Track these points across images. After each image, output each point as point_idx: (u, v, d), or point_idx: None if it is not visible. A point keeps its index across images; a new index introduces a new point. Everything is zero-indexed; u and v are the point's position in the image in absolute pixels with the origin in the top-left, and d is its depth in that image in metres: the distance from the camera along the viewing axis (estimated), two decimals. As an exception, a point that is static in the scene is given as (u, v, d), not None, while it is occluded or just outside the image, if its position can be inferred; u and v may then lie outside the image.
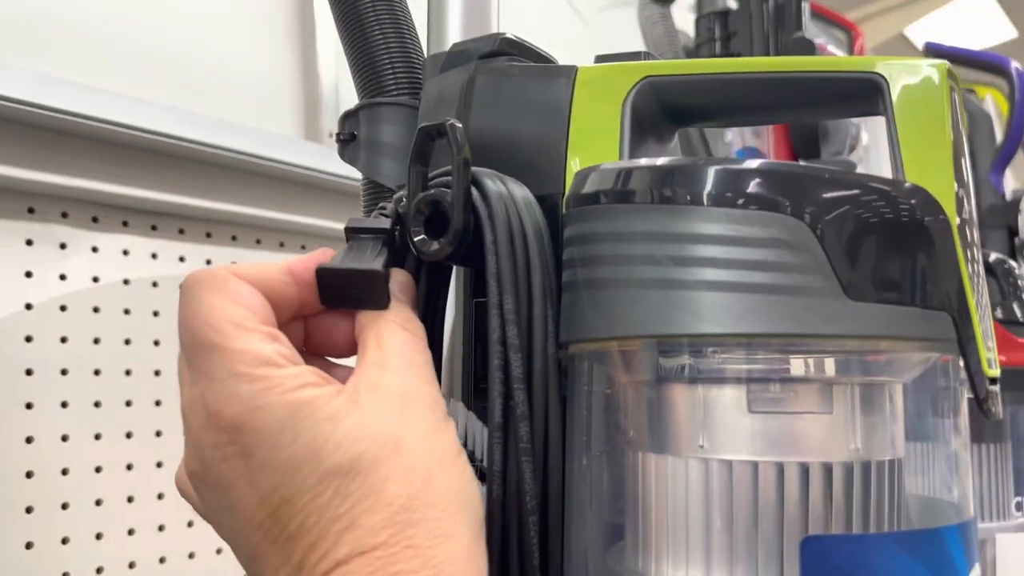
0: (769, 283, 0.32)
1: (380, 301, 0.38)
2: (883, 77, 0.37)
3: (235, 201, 0.93)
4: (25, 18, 0.82)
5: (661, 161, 0.37)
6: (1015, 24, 3.58)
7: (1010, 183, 1.31)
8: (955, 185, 0.35)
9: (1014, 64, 1.20)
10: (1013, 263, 0.87)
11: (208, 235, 0.95)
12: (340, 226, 0.40)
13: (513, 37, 0.48)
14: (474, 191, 0.39)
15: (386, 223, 0.40)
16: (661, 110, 0.44)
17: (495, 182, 0.40)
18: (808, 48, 0.98)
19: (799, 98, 0.41)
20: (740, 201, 0.33)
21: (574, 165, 0.42)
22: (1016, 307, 0.83)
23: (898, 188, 0.35)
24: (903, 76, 0.36)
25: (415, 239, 0.39)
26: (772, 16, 1.06)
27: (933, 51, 1.32)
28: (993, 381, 0.36)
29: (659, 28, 1.23)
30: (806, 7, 1.05)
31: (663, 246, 0.34)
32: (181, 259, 0.93)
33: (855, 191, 0.34)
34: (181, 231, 0.93)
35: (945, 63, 0.36)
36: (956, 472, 0.38)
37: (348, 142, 0.53)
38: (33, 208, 0.81)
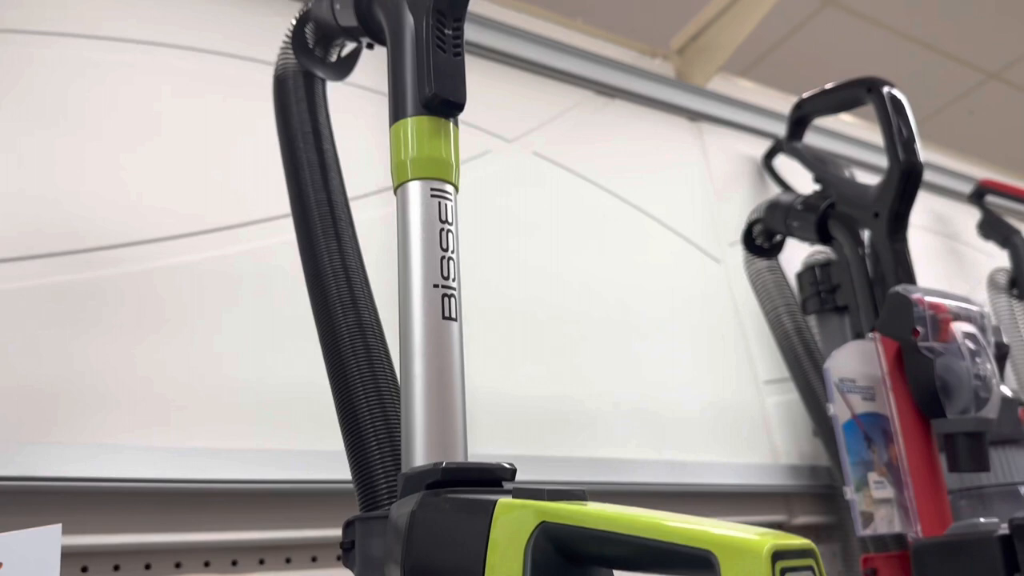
0: None
1: None
2: (714, 555, 0.37)
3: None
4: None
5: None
6: None
7: None
8: None
9: None
10: None
11: (206, 564, 1.00)
12: None
13: (454, 465, 0.53)
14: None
15: None
16: (557, 551, 0.46)
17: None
18: (904, 305, 0.93)
19: (655, 559, 0.41)
20: None
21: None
22: None
23: None
24: (735, 558, 0.36)
25: None
26: (872, 267, 1.03)
27: None
28: None
29: (767, 279, 1.22)
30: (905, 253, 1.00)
31: None
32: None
33: None
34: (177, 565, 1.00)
35: (772, 544, 0.35)
36: None
37: (349, 550, 0.59)
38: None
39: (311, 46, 0.82)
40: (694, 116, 1.77)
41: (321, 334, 0.69)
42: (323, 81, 0.84)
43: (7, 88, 1.03)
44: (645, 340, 1.47)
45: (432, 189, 0.62)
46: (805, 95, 1.35)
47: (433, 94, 0.62)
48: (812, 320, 1.19)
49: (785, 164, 1.78)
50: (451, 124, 0.64)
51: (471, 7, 1.56)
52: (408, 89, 0.64)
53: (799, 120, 1.40)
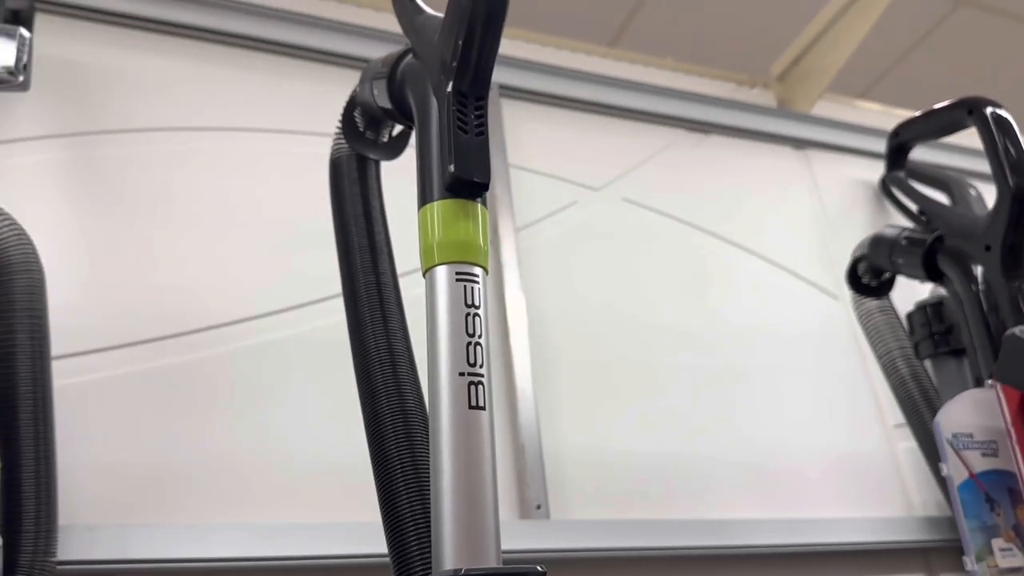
0: None
1: None
2: None
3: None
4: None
5: None
6: None
7: None
8: None
9: None
10: None
11: None
12: None
13: (477, 572, 0.51)
14: None
15: None
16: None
17: None
18: (1019, 349, 0.82)
19: None
20: None
21: None
22: None
23: None
24: None
25: None
26: (988, 306, 0.92)
27: None
28: None
29: (878, 320, 1.13)
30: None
31: None
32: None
33: None
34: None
35: None
36: None
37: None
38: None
39: (361, 129, 0.83)
40: (800, 144, 1.68)
41: (366, 420, 0.69)
42: (376, 162, 0.85)
43: (103, 185, 1.11)
44: (755, 387, 1.39)
45: (458, 273, 0.61)
46: (901, 122, 1.25)
47: (455, 177, 0.61)
48: (928, 364, 1.09)
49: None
50: (477, 205, 0.63)
51: (554, 58, 1.57)
52: (433, 172, 0.63)
53: (897, 149, 1.30)
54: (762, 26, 1.80)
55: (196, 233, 1.13)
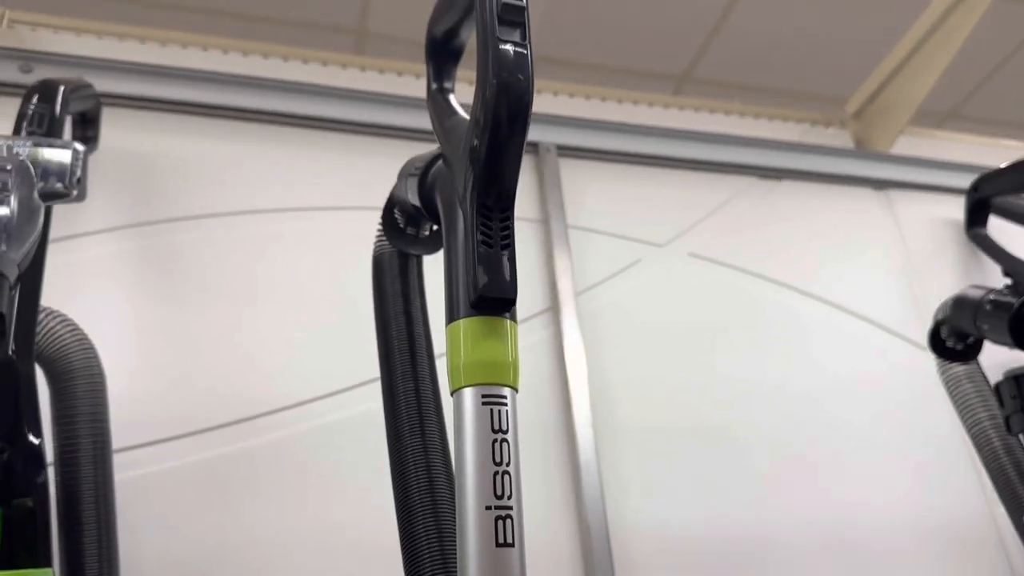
0: None
1: None
2: None
3: None
4: None
5: None
6: None
7: None
8: None
9: None
10: None
11: None
12: None
13: None
14: None
15: None
16: None
17: None
18: None
19: None
20: None
21: None
22: None
23: None
24: None
25: None
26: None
27: None
28: None
29: (966, 389, 1.04)
30: None
31: None
32: None
33: None
34: None
35: None
36: None
37: None
38: None
39: (402, 226, 0.83)
40: (880, 184, 1.59)
41: (402, 540, 0.67)
42: (418, 257, 0.84)
43: (164, 274, 1.14)
44: (837, 448, 1.31)
45: (484, 396, 0.59)
46: (981, 176, 1.16)
47: (480, 295, 0.59)
48: (1023, 439, 1.00)
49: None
50: (505, 321, 0.61)
51: (616, 112, 1.53)
52: (459, 288, 0.61)
53: (977, 205, 1.21)
54: (834, 62, 1.73)
55: (252, 317, 1.15)
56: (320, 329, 1.16)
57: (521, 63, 0.61)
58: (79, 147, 0.85)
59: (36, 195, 0.81)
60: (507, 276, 0.61)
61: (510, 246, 0.62)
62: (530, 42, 0.63)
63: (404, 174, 0.79)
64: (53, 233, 1.10)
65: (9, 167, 0.80)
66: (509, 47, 0.61)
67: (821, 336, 1.41)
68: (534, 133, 1.41)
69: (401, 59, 1.48)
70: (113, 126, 1.21)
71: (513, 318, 0.62)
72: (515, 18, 0.62)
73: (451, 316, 0.62)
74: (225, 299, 1.15)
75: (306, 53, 1.44)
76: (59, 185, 0.83)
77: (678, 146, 1.49)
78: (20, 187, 0.80)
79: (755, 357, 1.35)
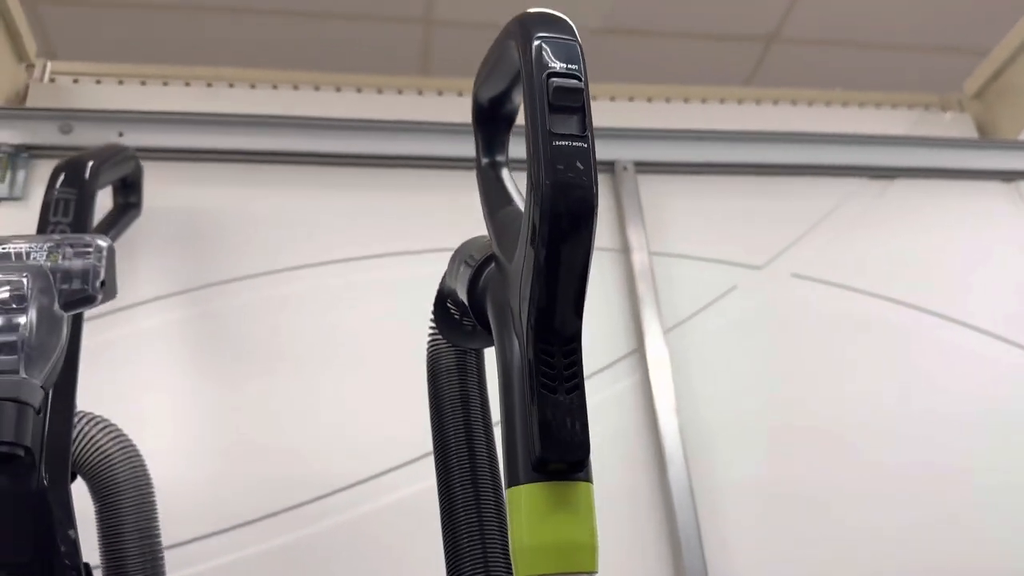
0: None
1: None
2: None
3: None
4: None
5: None
6: None
7: None
8: None
9: None
10: None
11: None
12: None
13: None
14: None
15: None
16: None
17: None
18: None
19: None
20: None
21: None
22: None
23: None
24: None
25: None
26: None
27: None
28: None
29: None
30: None
31: None
32: None
33: None
34: None
35: None
36: None
37: None
38: None
39: (457, 317, 0.72)
40: (1009, 176, 1.39)
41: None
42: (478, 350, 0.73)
43: (213, 342, 1.07)
44: (978, 489, 1.15)
45: (556, 588, 0.48)
46: None
47: (541, 459, 0.48)
48: None
49: None
50: (577, 485, 0.49)
51: (685, 113, 1.37)
52: (518, 443, 0.50)
53: None
54: (947, 37, 1.51)
55: (313, 384, 1.06)
56: (390, 391, 1.07)
57: (582, 164, 0.49)
58: (102, 243, 0.77)
59: (57, 305, 0.73)
60: (576, 428, 0.49)
61: (579, 387, 0.50)
62: (591, 128, 0.50)
63: (457, 259, 0.67)
64: (99, 307, 1.05)
65: (25, 276, 0.73)
66: (565, 143, 0.49)
67: (952, 359, 1.23)
68: (608, 151, 1.28)
69: (463, 76, 1.36)
70: (159, 181, 1.13)
71: (588, 478, 0.50)
72: (572, 102, 0.50)
73: (511, 477, 0.51)
74: (284, 365, 1.07)
75: (359, 79, 1.34)
76: (86, 288, 0.75)
77: (770, 150, 1.33)
78: (39, 297, 0.72)
79: (875, 389, 1.19)
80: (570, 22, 0.55)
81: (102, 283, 0.76)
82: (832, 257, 1.28)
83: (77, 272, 0.76)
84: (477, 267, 0.61)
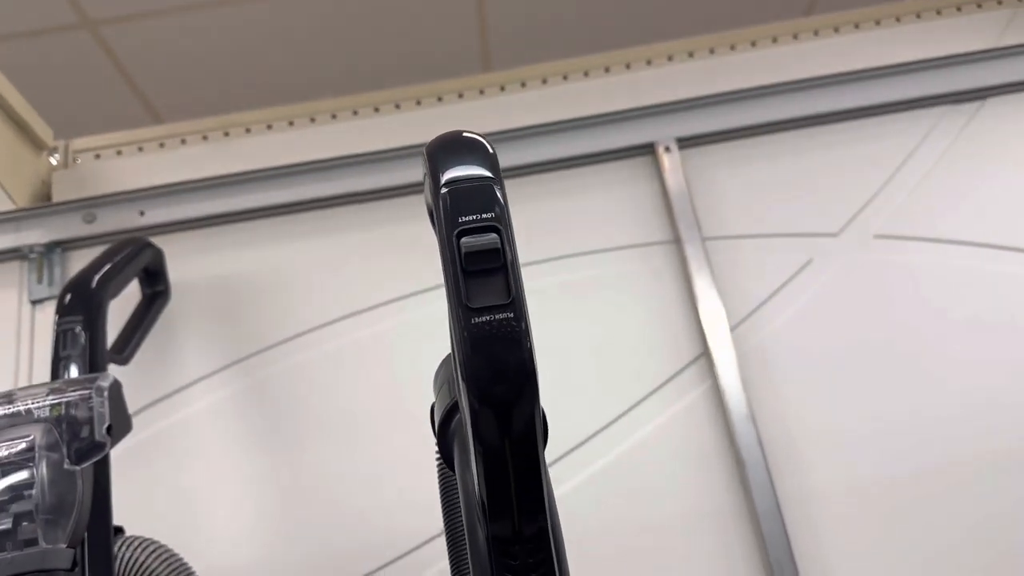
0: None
1: None
2: None
3: None
4: None
5: None
6: None
7: None
8: None
9: None
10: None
11: None
12: None
13: None
14: None
15: None
16: None
17: None
18: None
19: None
20: None
21: None
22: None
23: None
24: None
25: None
26: None
27: None
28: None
29: None
30: None
31: None
32: None
33: None
34: None
35: None
36: None
37: None
38: None
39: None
40: None
41: None
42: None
43: (265, 414, 1.06)
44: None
45: None
46: None
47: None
48: None
49: None
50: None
51: (739, 75, 1.21)
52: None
53: None
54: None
55: (370, 446, 1.04)
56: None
57: (508, 343, 0.41)
58: (103, 384, 0.75)
59: (67, 462, 0.72)
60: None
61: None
62: (518, 286, 0.42)
63: (437, 383, 0.61)
64: (148, 395, 1.05)
65: (31, 438, 0.72)
66: (485, 318, 0.41)
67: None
68: (645, 132, 1.16)
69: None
70: (186, 252, 1.12)
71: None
72: (489, 264, 0.42)
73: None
74: (339, 427, 1.05)
75: (375, 98, 1.27)
76: (95, 436, 0.74)
77: (832, 95, 1.16)
78: (47, 455, 0.72)
79: (994, 364, 1.04)
80: (486, 144, 0.46)
81: (108, 428, 0.74)
82: (919, 208, 1.12)
83: (83, 420, 0.75)
84: (447, 412, 0.55)
